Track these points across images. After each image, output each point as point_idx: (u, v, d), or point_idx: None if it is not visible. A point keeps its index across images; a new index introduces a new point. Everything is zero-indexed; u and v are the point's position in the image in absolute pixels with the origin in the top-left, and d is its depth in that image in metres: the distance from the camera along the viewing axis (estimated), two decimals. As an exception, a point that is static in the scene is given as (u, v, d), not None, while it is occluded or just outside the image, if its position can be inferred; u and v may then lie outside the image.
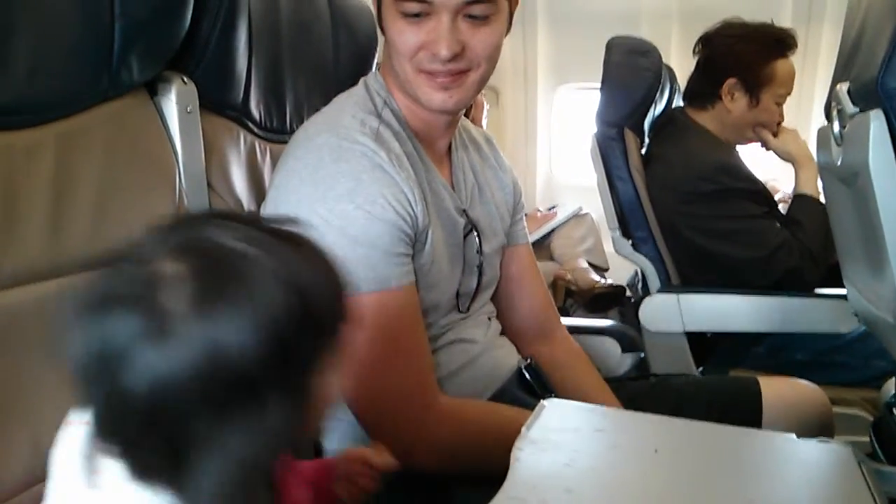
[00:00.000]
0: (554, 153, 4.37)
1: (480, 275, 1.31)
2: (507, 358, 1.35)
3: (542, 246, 3.44)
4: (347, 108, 1.20)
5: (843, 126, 1.18)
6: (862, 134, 1.03)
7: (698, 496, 0.77)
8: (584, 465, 0.82)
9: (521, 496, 0.73)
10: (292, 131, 1.26)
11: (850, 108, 1.13)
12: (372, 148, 1.13)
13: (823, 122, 1.35)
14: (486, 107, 3.29)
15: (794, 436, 0.91)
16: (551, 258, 3.41)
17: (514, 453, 0.81)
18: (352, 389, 1.15)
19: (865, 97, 1.07)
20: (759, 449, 0.89)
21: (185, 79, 1.13)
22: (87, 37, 0.95)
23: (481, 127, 3.10)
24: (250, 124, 1.31)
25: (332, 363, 0.63)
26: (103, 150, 0.99)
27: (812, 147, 2.24)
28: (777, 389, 1.50)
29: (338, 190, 1.10)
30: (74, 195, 0.94)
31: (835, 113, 1.21)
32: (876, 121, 0.99)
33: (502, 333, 1.41)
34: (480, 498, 0.76)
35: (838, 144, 1.21)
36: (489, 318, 1.38)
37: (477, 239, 1.29)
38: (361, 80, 1.26)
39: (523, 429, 0.87)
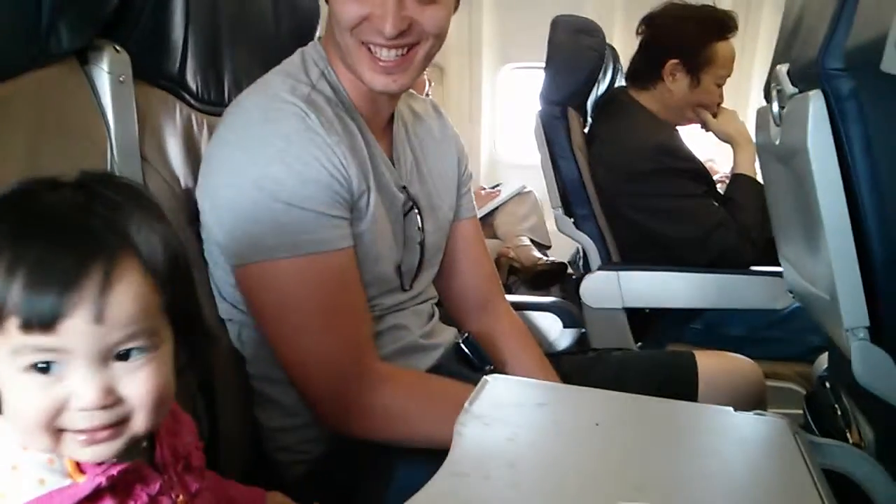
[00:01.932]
0: (498, 132, 4.37)
1: (422, 252, 1.30)
2: (444, 340, 1.35)
3: (485, 223, 3.44)
4: (278, 75, 1.18)
5: (782, 107, 1.19)
6: (801, 114, 1.04)
7: (639, 469, 0.78)
8: (526, 440, 0.82)
9: (463, 471, 0.73)
10: (230, 103, 1.22)
11: (790, 88, 1.14)
12: (302, 108, 1.11)
13: (761, 104, 1.37)
14: (428, 84, 3.27)
15: (731, 409, 0.92)
16: (495, 236, 3.42)
17: (457, 428, 0.81)
18: (287, 353, 1.14)
19: (805, 78, 1.08)
20: (697, 422, 0.91)
21: (118, 47, 1.09)
22: (14, 1, 0.91)
23: None
24: (187, 96, 1.27)
25: None
26: (30, 121, 0.95)
27: (750, 128, 2.29)
28: (712, 364, 1.53)
29: (268, 151, 1.08)
30: (2, 165, 0.90)
31: (774, 93, 1.22)
32: (815, 101, 1.00)
33: (444, 311, 1.41)
34: (422, 472, 0.75)
35: (777, 125, 1.22)
36: (432, 306, 1.37)
37: (418, 216, 1.28)
38: (298, 51, 1.24)
39: (466, 404, 0.87)
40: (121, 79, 1.09)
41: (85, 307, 0.60)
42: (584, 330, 1.89)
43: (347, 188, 1.12)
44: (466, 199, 1.45)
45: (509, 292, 1.73)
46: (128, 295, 0.62)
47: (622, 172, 2.17)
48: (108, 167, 1.05)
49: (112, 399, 0.63)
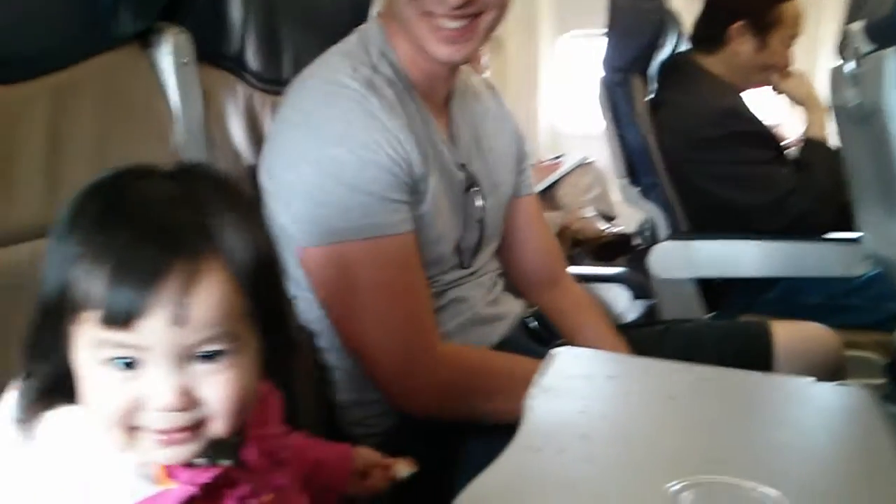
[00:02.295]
0: (558, 102, 4.31)
1: (482, 229, 1.29)
2: (510, 312, 1.34)
3: (547, 196, 3.41)
4: (339, 55, 1.17)
5: (857, 66, 1.15)
6: (878, 73, 1.00)
7: (716, 442, 0.76)
8: (598, 413, 0.81)
9: (536, 445, 0.72)
10: (290, 82, 1.23)
11: (865, 46, 1.10)
12: (362, 93, 1.10)
13: (831, 65, 1.31)
14: (483, 57, 3.22)
15: (811, 379, 0.89)
16: (557, 208, 3.38)
17: (528, 401, 0.80)
18: (351, 336, 1.15)
19: (882, 35, 1.03)
20: (776, 393, 0.88)
21: (179, 29, 1.10)
22: (77, -12, 0.92)
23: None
24: (247, 75, 1.28)
25: None
26: (98, 105, 0.97)
27: (821, 90, 2.20)
28: (789, 333, 1.48)
29: (330, 134, 1.09)
30: (70, 151, 0.92)
31: (849, 52, 1.18)
32: (893, 58, 0.96)
33: (509, 287, 1.39)
34: (491, 448, 0.75)
35: (853, 84, 1.17)
36: (496, 277, 1.36)
37: (477, 194, 1.26)
38: (356, 30, 1.23)
39: (535, 376, 0.86)
40: (184, 61, 1.10)
41: (164, 308, 0.58)
42: (653, 301, 1.86)
43: (408, 172, 1.12)
44: (525, 176, 1.44)
45: (573, 264, 1.71)
46: (210, 297, 0.60)
47: (689, 139, 2.11)
48: (175, 147, 1.07)
49: (189, 401, 0.61)
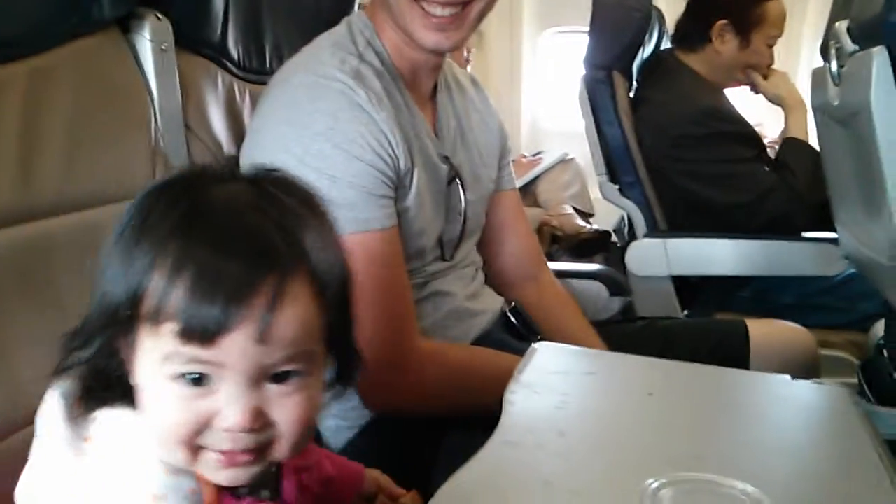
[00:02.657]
0: (539, 99, 4.31)
1: (464, 222, 1.28)
2: (490, 306, 1.34)
3: (527, 192, 3.41)
4: (326, 47, 1.16)
5: (841, 65, 1.15)
6: (863, 73, 1.01)
7: (694, 439, 0.76)
8: (576, 408, 0.80)
9: (515, 440, 0.71)
10: (272, 72, 1.21)
11: (850, 46, 1.10)
12: (350, 85, 1.09)
13: (813, 65, 1.32)
14: (466, 52, 3.22)
15: (788, 377, 0.90)
16: (537, 204, 3.39)
17: (507, 396, 0.80)
18: None
19: (867, 34, 1.04)
20: (754, 391, 0.89)
21: (160, 15, 1.08)
22: (54, -32, 0.90)
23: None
24: (228, 64, 1.26)
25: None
26: (74, 90, 0.96)
27: (801, 90, 2.22)
28: (764, 332, 1.49)
29: (315, 129, 1.07)
30: (45, 136, 0.90)
31: (833, 52, 1.18)
32: (879, 58, 0.96)
33: (488, 282, 1.39)
34: (471, 442, 0.74)
35: (836, 84, 1.18)
36: (475, 270, 1.36)
37: (460, 186, 1.26)
38: (344, 20, 1.22)
39: (515, 372, 0.86)
40: (163, 47, 1.08)
41: (249, 324, 0.55)
42: (630, 298, 1.87)
43: (393, 167, 1.11)
44: (507, 171, 1.44)
45: (552, 260, 1.71)
46: (294, 315, 0.57)
47: (669, 137, 2.12)
48: (153, 136, 1.05)
49: (260, 423, 0.58)
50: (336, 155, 1.06)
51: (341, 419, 1.24)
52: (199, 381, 0.57)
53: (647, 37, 2.34)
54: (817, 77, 1.33)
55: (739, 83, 2.26)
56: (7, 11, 0.86)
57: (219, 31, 1.22)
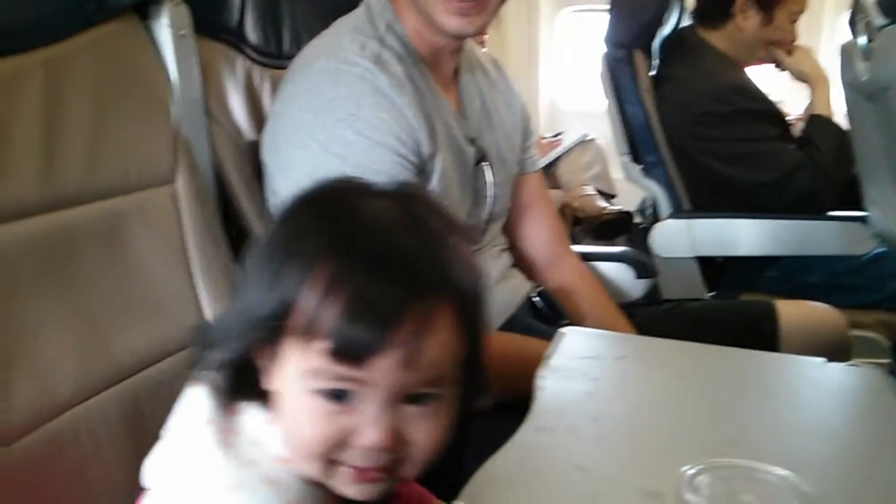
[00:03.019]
0: (558, 79, 4.27)
1: (492, 204, 1.27)
2: (517, 289, 1.33)
3: (547, 174, 3.38)
4: (346, 31, 1.15)
5: (870, 40, 1.12)
6: (892, 47, 0.98)
7: (728, 423, 0.74)
8: (608, 394, 0.79)
9: (549, 426, 0.70)
10: (291, 57, 1.20)
11: (879, 19, 1.07)
12: (371, 70, 1.08)
13: (833, 40, 1.29)
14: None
15: (822, 360, 0.88)
16: (557, 186, 3.36)
17: (538, 382, 0.78)
18: None
19: (897, 8, 1.01)
20: (788, 374, 0.87)
21: (177, 1, 1.07)
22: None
23: None
24: (247, 49, 1.26)
25: None
26: (94, 78, 0.95)
27: (825, 66, 2.18)
28: (794, 312, 1.47)
29: (337, 115, 1.07)
30: (66, 125, 0.89)
31: (861, 26, 1.15)
32: (910, 31, 0.93)
33: (513, 264, 1.38)
34: (501, 428, 0.73)
35: (865, 59, 1.15)
36: (501, 251, 1.35)
37: (488, 168, 1.24)
38: (363, 3, 1.21)
39: (544, 357, 0.84)
40: (182, 33, 1.07)
41: (398, 349, 0.57)
42: (655, 280, 1.84)
43: (416, 152, 1.10)
44: (530, 153, 1.42)
45: (574, 242, 1.69)
46: (440, 341, 0.59)
47: (692, 116, 2.08)
48: (174, 122, 1.04)
49: (395, 442, 0.60)
50: (358, 142, 1.06)
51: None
52: (340, 397, 0.59)
53: (667, 14, 2.30)
54: (845, 52, 1.30)
55: (762, 60, 2.21)
56: (21, 0, 0.85)
57: (237, 16, 1.22)
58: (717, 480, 0.63)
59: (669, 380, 0.84)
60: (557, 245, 1.45)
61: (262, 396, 0.64)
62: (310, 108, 1.09)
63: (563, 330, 0.92)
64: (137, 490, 0.68)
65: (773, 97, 2.19)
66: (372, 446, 0.59)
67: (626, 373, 0.87)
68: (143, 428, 0.87)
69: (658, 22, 2.23)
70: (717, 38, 2.16)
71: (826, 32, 3.66)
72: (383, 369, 0.57)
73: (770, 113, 2.09)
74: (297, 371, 0.59)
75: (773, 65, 2.22)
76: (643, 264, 1.65)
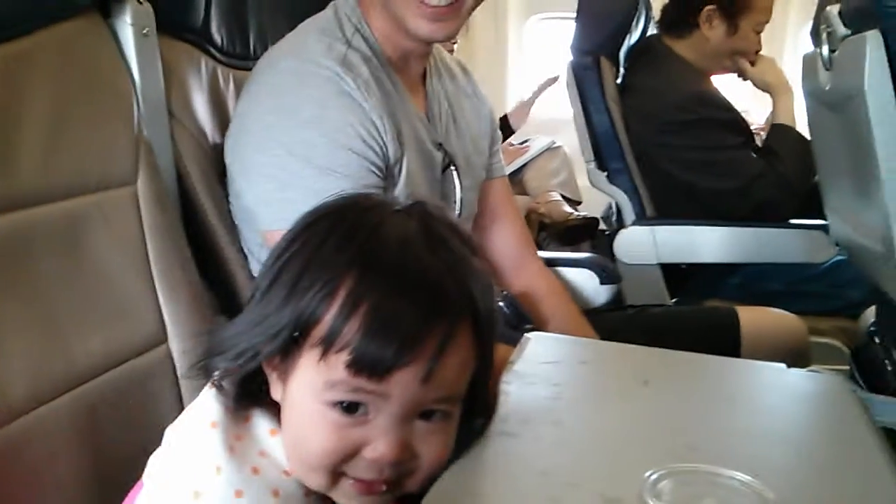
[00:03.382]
0: (525, 86, 4.28)
1: (460, 210, 1.26)
2: None
3: (514, 180, 3.38)
4: (313, 32, 1.14)
5: (832, 50, 1.14)
6: (856, 57, 0.99)
7: (692, 428, 0.74)
8: (571, 398, 0.79)
9: (513, 431, 0.70)
10: (256, 57, 1.19)
11: (842, 30, 1.09)
12: (337, 72, 1.07)
13: (796, 50, 1.31)
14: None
15: (783, 366, 0.89)
16: (524, 192, 3.37)
17: (502, 387, 0.78)
18: None
19: (860, 18, 1.02)
20: (749, 379, 0.88)
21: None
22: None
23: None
24: (212, 49, 1.24)
25: None
26: (54, 77, 0.93)
27: (789, 76, 2.21)
28: (755, 319, 1.49)
29: (302, 117, 1.06)
30: (25, 124, 0.88)
31: (824, 36, 1.17)
32: (872, 42, 0.95)
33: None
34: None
35: (827, 69, 1.17)
36: None
37: (455, 174, 1.24)
38: (330, 5, 1.20)
39: (508, 362, 0.84)
40: (144, 32, 1.06)
41: (419, 366, 0.58)
42: (619, 286, 1.85)
43: (382, 156, 1.09)
44: (497, 158, 1.42)
45: (539, 248, 1.69)
46: (457, 359, 0.61)
47: (657, 124, 2.11)
48: (136, 123, 1.03)
49: (406, 456, 0.61)
50: (323, 144, 1.05)
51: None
52: (354, 409, 0.59)
53: (634, 22, 2.33)
54: (808, 62, 1.32)
55: (727, 70, 2.24)
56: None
57: (202, 16, 1.20)
58: (679, 485, 0.63)
59: (632, 385, 0.84)
60: (523, 250, 1.45)
61: (269, 405, 0.64)
62: (274, 110, 1.07)
63: (528, 335, 0.92)
64: (92, 495, 0.67)
65: (737, 106, 2.23)
66: (382, 459, 0.59)
67: (589, 378, 0.87)
68: (99, 433, 0.85)
69: (625, 30, 2.26)
70: (682, 47, 2.19)
71: (789, 42, 3.72)
72: (402, 384, 0.58)
73: (733, 122, 2.12)
74: (314, 382, 0.59)
75: (736, 74, 2.26)
76: (607, 270, 1.66)
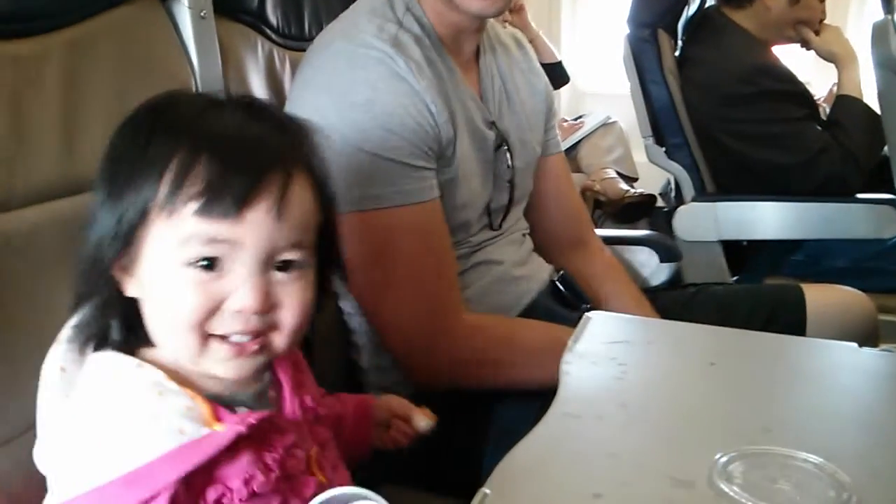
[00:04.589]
0: (579, 60, 4.22)
1: (512, 189, 1.25)
2: (538, 273, 1.31)
3: (569, 157, 3.34)
4: (364, 13, 1.13)
5: (906, 17, 1.09)
6: (930, 22, 0.95)
7: (761, 409, 0.73)
8: (636, 379, 0.78)
9: (575, 412, 0.69)
10: (311, 38, 1.19)
11: (916, -5, 1.04)
12: (389, 54, 1.06)
13: (859, 20, 1.27)
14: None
15: (854, 345, 0.86)
16: (579, 169, 3.32)
17: (563, 367, 0.77)
18: (372, 308, 1.12)
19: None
20: (820, 359, 0.85)
21: (198, -19, 1.06)
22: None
23: (531, 32, 2.97)
24: (268, 30, 1.25)
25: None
26: (114, 60, 0.94)
27: (854, 46, 2.13)
28: (821, 297, 1.45)
29: (353, 99, 1.05)
30: (86, 108, 0.89)
31: (895, 3, 1.12)
32: (949, 5, 0.91)
33: (535, 249, 1.36)
34: (518, 413, 0.72)
35: (900, 36, 1.12)
36: (523, 236, 1.33)
37: (508, 153, 1.22)
38: None
39: (570, 342, 0.83)
40: (202, 14, 1.06)
41: (269, 199, 0.60)
42: (679, 264, 1.82)
43: (435, 137, 1.08)
44: (553, 134, 1.40)
45: (595, 226, 1.67)
46: (301, 199, 0.63)
47: (717, 97, 2.06)
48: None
49: (268, 305, 0.62)
50: (375, 127, 1.04)
51: (387, 391, 1.22)
52: (210, 266, 0.60)
53: (692, -8, 2.27)
54: (878, 30, 1.27)
55: (790, 40, 2.17)
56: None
57: (257, -3, 1.20)
58: (750, 468, 0.61)
59: (700, 365, 0.82)
60: (580, 228, 1.43)
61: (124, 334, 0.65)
62: (326, 92, 1.07)
63: (589, 314, 0.90)
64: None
65: (800, 78, 2.16)
66: (245, 308, 0.61)
67: (655, 358, 0.85)
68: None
69: (683, 1, 2.20)
70: (743, 18, 2.13)
71: (854, 10, 3.59)
72: (254, 224, 0.60)
73: (797, 94, 2.05)
74: (168, 247, 0.60)
75: (800, 45, 2.19)
76: (667, 248, 1.63)
